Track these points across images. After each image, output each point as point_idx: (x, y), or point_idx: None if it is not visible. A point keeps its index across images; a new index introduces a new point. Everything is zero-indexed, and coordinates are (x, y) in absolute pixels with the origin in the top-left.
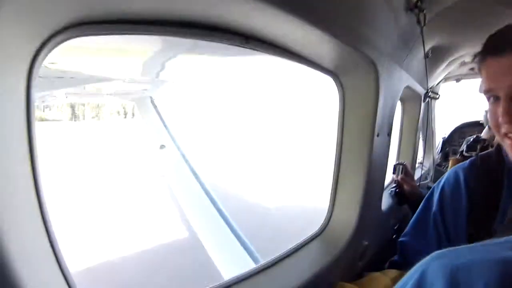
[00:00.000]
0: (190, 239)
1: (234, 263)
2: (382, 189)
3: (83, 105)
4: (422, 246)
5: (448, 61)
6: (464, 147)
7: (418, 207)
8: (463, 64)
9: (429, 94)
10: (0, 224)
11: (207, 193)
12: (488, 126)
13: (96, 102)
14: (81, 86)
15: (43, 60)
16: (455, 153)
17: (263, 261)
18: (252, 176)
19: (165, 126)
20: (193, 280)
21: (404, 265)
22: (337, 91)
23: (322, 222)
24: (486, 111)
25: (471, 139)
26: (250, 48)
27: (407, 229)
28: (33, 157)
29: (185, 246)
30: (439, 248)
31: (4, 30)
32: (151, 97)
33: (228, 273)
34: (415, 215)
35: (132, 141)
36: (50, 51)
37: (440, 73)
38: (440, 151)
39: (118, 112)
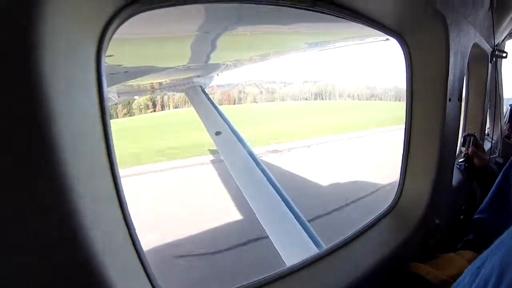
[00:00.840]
0: (248, 222)
1: (295, 245)
2: (453, 162)
3: (116, 104)
4: (501, 223)
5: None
6: None
7: (489, 184)
8: None
9: (496, 52)
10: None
11: (267, 175)
12: None
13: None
14: (131, 82)
15: (113, 34)
16: None
17: (323, 243)
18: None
19: (218, 112)
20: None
21: (480, 244)
22: (403, 54)
23: (393, 196)
24: None
25: None
26: (318, 11)
27: (483, 205)
28: (108, 139)
29: (243, 229)
30: None
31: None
32: (201, 86)
33: (288, 255)
34: (492, 190)
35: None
36: (119, 25)
37: (506, 27)
38: (508, 120)
39: (147, 106)
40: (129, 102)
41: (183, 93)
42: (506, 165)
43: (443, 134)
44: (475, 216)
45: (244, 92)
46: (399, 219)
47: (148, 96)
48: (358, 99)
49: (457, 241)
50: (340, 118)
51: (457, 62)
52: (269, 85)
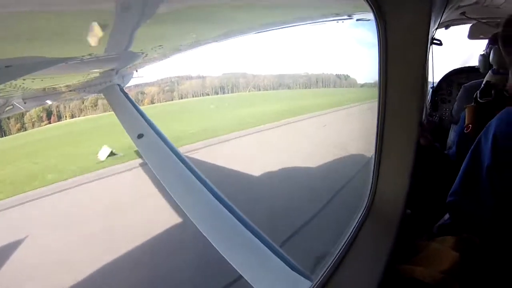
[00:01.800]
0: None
1: (237, 243)
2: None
3: (8, 118)
4: (474, 205)
5: (452, 4)
6: (477, 93)
7: (434, 163)
8: (458, 8)
9: (434, 39)
10: None
11: (197, 176)
12: (493, 70)
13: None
14: (36, 84)
15: None
16: (443, 102)
17: (265, 235)
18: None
19: (140, 113)
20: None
21: (456, 227)
22: (377, 31)
23: (365, 199)
24: (482, 55)
25: (483, 85)
26: None
27: (454, 187)
28: None
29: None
30: (495, 201)
31: None
32: (119, 85)
33: (233, 256)
34: (461, 172)
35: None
36: None
37: (441, 17)
38: (430, 100)
39: (41, 118)
40: (22, 115)
41: (80, 101)
42: (473, 146)
43: (420, 120)
44: (448, 200)
45: (142, 93)
46: (378, 221)
47: (41, 107)
48: (265, 89)
49: (422, 224)
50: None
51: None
52: (185, 81)
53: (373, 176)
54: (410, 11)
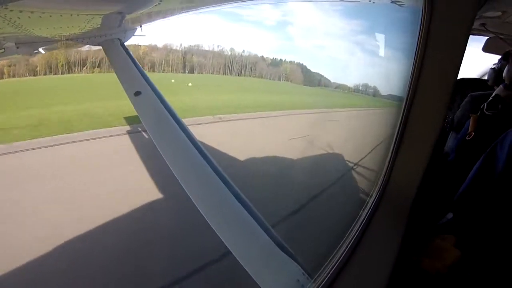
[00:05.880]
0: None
1: (228, 216)
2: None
3: None
4: (482, 206)
5: (480, 12)
6: (484, 105)
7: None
8: (480, 18)
9: None
10: None
11: (194, 142)
12: (504, 85)
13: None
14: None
15: None
16: None
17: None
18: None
19: (138, 70)
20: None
21: (458, 226)
22: (422, 16)
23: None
24: (493, 69)
25: (491, 98)
26: None
27: (462, 189)
28: None
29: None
30: (503, 206)
31: None
32: (120, 40)
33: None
34: (471, 175)
35: None
36: None
37: None
38: None
39: None
40: None
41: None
42: (486, 152)
43: (445, 116)
44: (455, 199)
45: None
46: (391, 210)
47: None
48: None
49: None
50: None
51: None
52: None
53: (388, 162)
54: (458, 3)
